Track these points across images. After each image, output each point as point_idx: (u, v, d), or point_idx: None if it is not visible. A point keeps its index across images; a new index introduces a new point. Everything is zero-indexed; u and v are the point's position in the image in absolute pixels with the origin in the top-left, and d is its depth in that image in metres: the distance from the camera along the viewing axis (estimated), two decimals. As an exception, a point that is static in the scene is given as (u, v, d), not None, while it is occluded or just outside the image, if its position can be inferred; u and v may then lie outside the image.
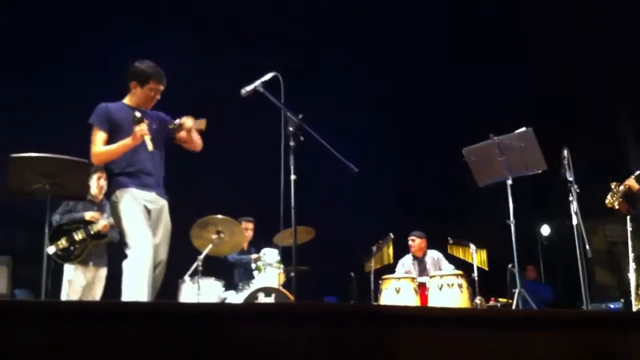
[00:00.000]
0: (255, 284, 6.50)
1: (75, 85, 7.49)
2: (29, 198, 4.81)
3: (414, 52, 9.68)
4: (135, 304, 3.27)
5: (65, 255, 5.79)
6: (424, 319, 2.47)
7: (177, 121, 4.53)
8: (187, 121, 4.53)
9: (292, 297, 5.62)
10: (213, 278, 6.53)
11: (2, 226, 7.35)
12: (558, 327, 2.57)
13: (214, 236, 6.41)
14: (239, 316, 2.17)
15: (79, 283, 5.89)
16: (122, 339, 1.98)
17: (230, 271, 7.20)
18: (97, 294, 5.95)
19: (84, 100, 4.91)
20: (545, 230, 10.98)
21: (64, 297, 5.78)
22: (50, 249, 5.62)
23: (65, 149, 4.79)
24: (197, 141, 4.67)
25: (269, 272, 6.60)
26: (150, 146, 4.31)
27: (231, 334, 2.09)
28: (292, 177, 4.17)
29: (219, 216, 6.44)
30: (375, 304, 6.47)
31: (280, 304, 5.57)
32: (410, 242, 7.89)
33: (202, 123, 4.57)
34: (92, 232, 5.84)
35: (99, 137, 4.41)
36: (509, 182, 5.83)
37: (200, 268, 6.23)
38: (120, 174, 4.41)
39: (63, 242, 5.78)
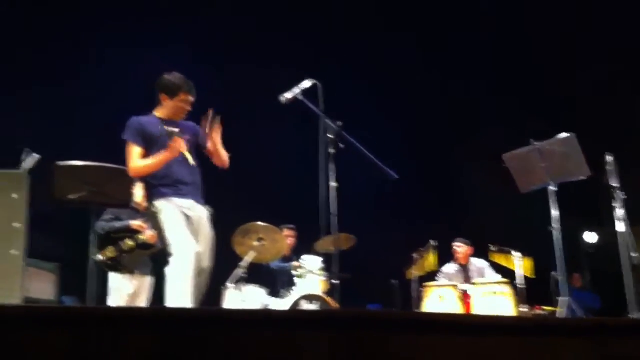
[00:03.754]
0: (297, 291, 6.51)
1: (113, 92, 7.65)
2: (73, 206, 4.88)
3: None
4: (177, 309, 3.31)
5: (114, 265, 5.82)
6: (464, 326, 2.45)
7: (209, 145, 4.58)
8: (215, 136, 4.57)
9: (335, 305, 5.61)
10: (257, 285, 6.56)
11: (49, 234, 7.49)
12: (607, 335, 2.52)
13: (256, 243, 6.45)
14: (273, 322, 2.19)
15: (126, 291, 5.92)
16: (163, 344, 2.01)
17: (273, 278, 7.23)
18: (143, 302, 6.01)
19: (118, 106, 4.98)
20: (590, 237, 10.76)
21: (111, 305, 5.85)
22: (98, 257, 5.69)
23: (102, 157, 4.86)
24: (224, 157, 4.68)
25: (310, 280, 6.60)
26: (191, 160, 4.40)
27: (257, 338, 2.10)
28: (333, 184, 4.18)
29: (260, 223, 6.48)
30: (416, 311, 6.43)
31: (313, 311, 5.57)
32: (456, 249, 7.82)
33: (217, 121, 4.55)
34: (139, 242, 5.90)
35: (135, 152, 4.48)
36: (553, 188, 5.75)
37: (244, 275, 6.28)
38: (158, 185, 4.49)
39: (112, 251, 5.84)
